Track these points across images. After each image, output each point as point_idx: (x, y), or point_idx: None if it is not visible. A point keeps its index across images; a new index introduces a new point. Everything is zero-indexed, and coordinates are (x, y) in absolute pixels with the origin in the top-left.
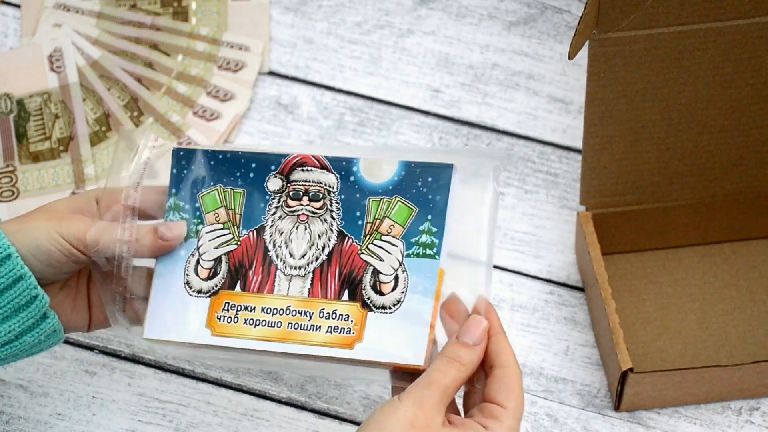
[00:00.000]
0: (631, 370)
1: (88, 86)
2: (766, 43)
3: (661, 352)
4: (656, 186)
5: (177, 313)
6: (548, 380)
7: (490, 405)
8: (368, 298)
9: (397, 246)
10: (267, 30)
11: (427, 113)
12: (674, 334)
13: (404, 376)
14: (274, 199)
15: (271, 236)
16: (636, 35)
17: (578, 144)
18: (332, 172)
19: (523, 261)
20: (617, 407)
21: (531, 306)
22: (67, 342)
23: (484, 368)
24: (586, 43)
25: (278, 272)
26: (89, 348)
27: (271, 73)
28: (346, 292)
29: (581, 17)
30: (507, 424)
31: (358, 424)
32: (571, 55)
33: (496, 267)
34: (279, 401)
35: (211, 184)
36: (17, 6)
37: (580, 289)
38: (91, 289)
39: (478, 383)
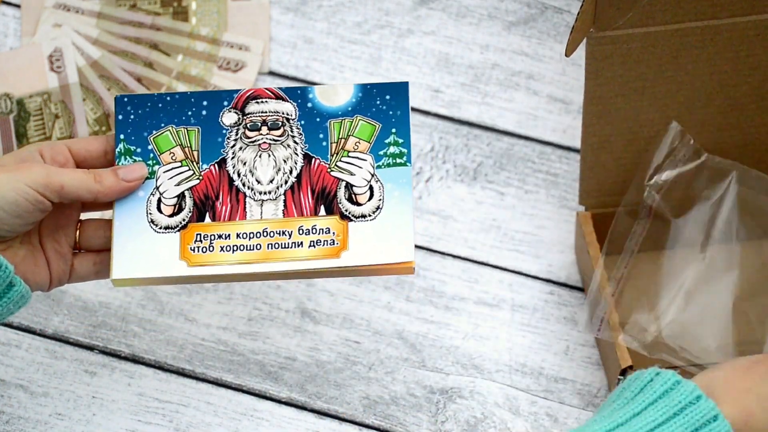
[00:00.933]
0: (630, 367)
1: (88, 86)
2: (763, 41)
3: (660, 353)
4: None
5: (146, 251)
6: (548, 380)
7: None
8: (346, 210)
9: (366, 160)
10: (267, 30)
11: (427, 113)
12: (675, 335)
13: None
14: (231, 132)
15: (234, 167)
16: (633, 33)
17: (578, 144)
18: (288, 101)
19: (523, 261)
20: None
21: (531, 306)
22: (67, 342)
23: None
24: (584, 42)
25: (248, 199)
26: (89, 348)
27: (271, 73)
28: (322, 207)
29: (578, 14)
30: None
31: (358, 424)
32: (568, 52)
33: (496, 267)
34: (279, 401)
35: (162, 125)
36: (17, 6)
37: (580, 289)
38: (44, 243)
39: None
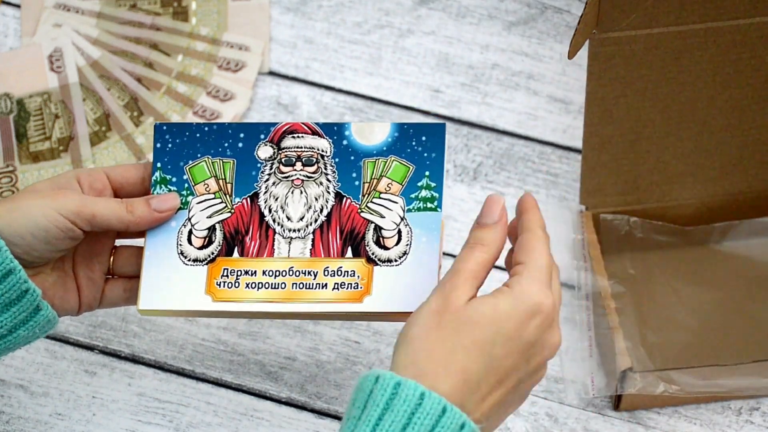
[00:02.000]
0: (630, 369)
1: (88, 86)
2: (765, 42)
3: (660, 352)
4: (656, 186)
5: (173, 283)
6: (548, 380)
7: (513, 268)
8: (372, 254)
9: (397, 202)
10: (267, 30)
11: (427, 113)
12: (674, 333)
13: None
14: (265, 166)
15: (266, 202)
16: (636, 35)
17: (578, 144)
18: (324, 138)
19: None
20: (617, 407)
21: None
22: (67, 342)
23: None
24: (586, 43)
25: (277, 236)
26: (89, 348)
27: (271, 73)
28: (350, 249)
29: (581, 16)
30: (527, 274)
31: None
32: (571, 55)
33: (496, 267)
34: (279, 401)
35: (198, 156)
36: (17, 6)
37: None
38: (77, 270)
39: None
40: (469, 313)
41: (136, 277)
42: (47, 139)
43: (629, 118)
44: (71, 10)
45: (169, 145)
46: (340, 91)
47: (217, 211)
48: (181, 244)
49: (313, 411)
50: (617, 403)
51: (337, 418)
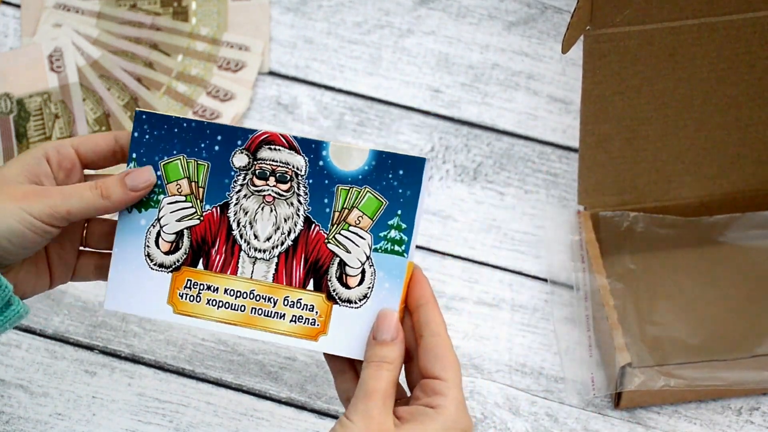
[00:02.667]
0: (629, 365)
1: (88, 86)
2: (760, 38)
3: (660, 350)
4: (654, 185)
5: (138, 287)
6: (548, 380)
7: (429, 381)
8: (334, 290)
9: (365, 239)
10: (267, 30)
11: (427, 113)
12: (674, 328)
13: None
14: (239, 175)
15: (235, 215)
16: (630, 31)
17: (577, 144)
18: (301, 154)
19: (523, 261)
20: (617, 404)
21: (531, 306)
22: (67, 342)
23: (415, 338)
24: (581, 41)
25: (242, 253)
26: (89, 348)
27: (271, 73)
28: (312, 281)
29: (574, 10)
30: (452, 395)
31: None
32: (564, 49)
33: (496, 267)
34: (279, 401)
35: (174, 152)
36: (17, 6)
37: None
38: (49, 251)
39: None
40: None
41: (107, 254)
42: (47, 138)
43: (625, 116)
44: (71, 10)
45: (147, 136)
46: (340, 91)
47: (187, 216)
48: (148, 246)
49: (313, 411)
50: (617, 400)
51: (337, 418)
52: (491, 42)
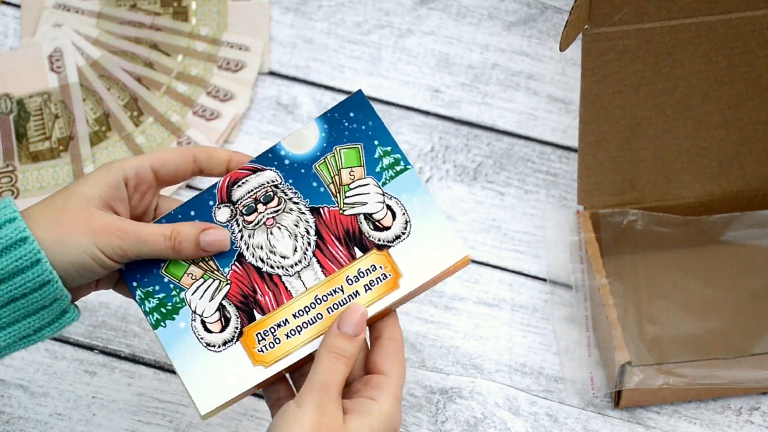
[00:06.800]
0: (629, 363)
1: (88, 86)
2: (758, 37)
3: (659, 349)
4: (653, 184)
5: (218, 374)
6: (548, 380)
7: (374, 377)
8: (378, 239)
9: (368, 184)
10: (267, 30)
11: (427, 113)
12: (674, 327)
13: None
14: (232, 225)
15: (253, 256)
16: (628, 30)
17: (577, 144)
18: (267, 169)
19: (523, 261)
20: (617, 404)
21: (531, 306)
22: (67, 342)
23: (369, 339)
24: (580, 39)
25: (284, 278)
26: (89, 348)
27: (271, 73)
28: (356, 249)
29: (572, 8)
30: (391, 391)
31: None
32: (563, 47)
33: (496, 267)
34: None
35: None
36: (17, 6)
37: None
38: None
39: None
40: None
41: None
42: (47, 139)
43: (624, 115)
44: (71, 10)
45: (134, 263)
46: (340, 91)
47: (215, 290)
48: (202, 338)
49: None
50: (617, 400)
51: None
52: (491, 42)
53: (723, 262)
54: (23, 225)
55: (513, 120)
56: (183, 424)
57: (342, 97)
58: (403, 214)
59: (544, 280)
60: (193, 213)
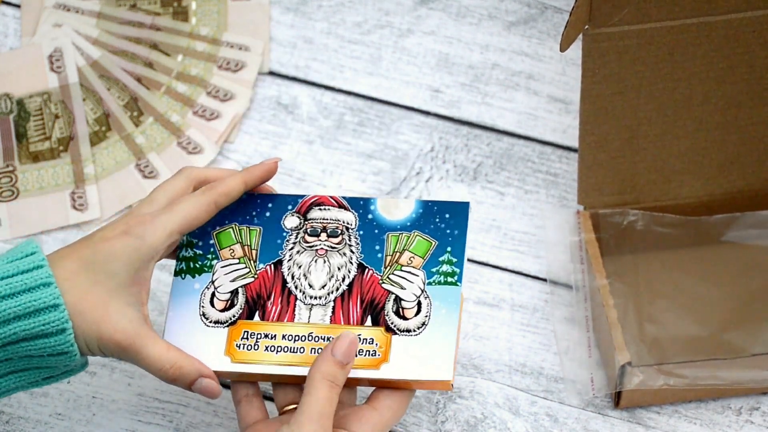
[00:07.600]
0: (629, 363)
1: (88, 86)
2: (759, 37)
3: (659, 349)
4: (653, 184)
5: (194, 342)
6: (548, 380)
7: (364, 407)
8: (392, 323)
9: (418, 275)
10: (267, 30)
11: (427, 113)
12: (674, 327)
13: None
14: (291, 235)
15: (289, 269)
16: (629, 30)
17: (577, 144)
18: (350, 211)
19: (523, 261)
20: (617, 404)
21: (531, 306)
22: None
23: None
24: (580, 40)
25: (298, 302)
26: None
27: (271, 73)
28: (369, 318)
29: (573, 8)
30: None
31: None
32: (563, 47)
33: (496, 267)
34: None
35: (226, 222)
36: (17, 6)
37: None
38: None
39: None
40: None
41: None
42: (47, 139)
43: (625, 115)
44: (71, 10)
45: None
46: (340, 91)
47: (240, 276)
48: (203, 306)
49: None
50: (617, 400)
51: None
52: (491, 42)
53: (723, 263)
54: (57, 292)
55: (513, 120)
56: (183, 424)
57: (342, 97)
58: (426, 315)
59: (544, 280)
60: (270, 205)
